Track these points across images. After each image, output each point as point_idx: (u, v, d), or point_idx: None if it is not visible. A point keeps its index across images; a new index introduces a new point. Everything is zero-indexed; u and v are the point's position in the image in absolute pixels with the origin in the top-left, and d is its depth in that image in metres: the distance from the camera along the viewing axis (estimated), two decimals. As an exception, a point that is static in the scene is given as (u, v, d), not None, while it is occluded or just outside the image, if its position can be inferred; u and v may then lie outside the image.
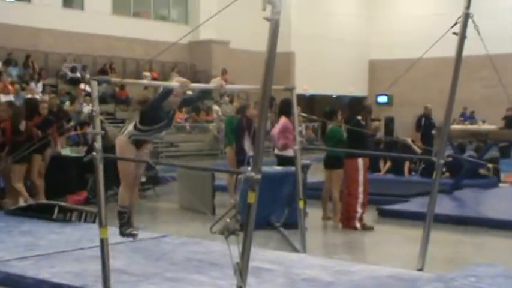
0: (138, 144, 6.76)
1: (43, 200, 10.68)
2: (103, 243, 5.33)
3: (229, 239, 4.63)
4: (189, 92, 6.75)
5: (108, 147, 11.70)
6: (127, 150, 6.73)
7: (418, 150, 15.34)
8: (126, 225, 6.86)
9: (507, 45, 29.86)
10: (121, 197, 6.95)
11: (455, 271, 6.46)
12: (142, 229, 7.79)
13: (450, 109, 6.62)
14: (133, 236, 6.92)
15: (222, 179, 12.55)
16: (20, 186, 10.60)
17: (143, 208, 12.53)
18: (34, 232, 8.48)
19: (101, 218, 5.41)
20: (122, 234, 6.88)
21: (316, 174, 14.49)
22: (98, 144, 5.46)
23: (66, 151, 13.41)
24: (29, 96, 18.27)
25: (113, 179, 12.60)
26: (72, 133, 15.84)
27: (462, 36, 6.22)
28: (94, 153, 5.44)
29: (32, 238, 8.10)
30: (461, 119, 30.64)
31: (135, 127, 6.58)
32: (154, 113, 6.39)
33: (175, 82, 6.23)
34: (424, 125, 16.88)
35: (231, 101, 22.89)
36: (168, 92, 6.25)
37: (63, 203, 9.94)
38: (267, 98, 4.71)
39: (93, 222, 8.93)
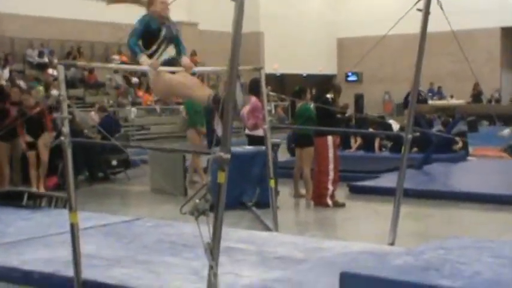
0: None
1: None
2: (73, 228, 5.30)
3: (200, 219, 4.63)
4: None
5: (77, 131, 11.70)
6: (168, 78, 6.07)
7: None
8: None
9: (473, 20, 30.06)
10: None
11: (424, 244, 6.55)
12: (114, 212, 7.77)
13: (416, 85, 6.69)
14: None
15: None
16: None
17: (114, 192, 12.52)
18: (2, 219, 8.38)
19: (71, 202, 5.37)
20: None
21: (287, 153, 14.56)
22: (66, 129, 5.41)
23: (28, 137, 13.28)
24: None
25: (82, 163, 12.68)
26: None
27: (426, 13, 6.26)
28: (62, 138, 5.40)
29: (0, 225, 8.02)
30: (429, 94, 30.87)
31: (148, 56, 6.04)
32: (145, 34, 6.03)
33: (145, 64, 6.06)
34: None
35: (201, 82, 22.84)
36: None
37: (32, 189, 9.85)
38: (234, 78, 4.71)
39: (64, 207, 8.85)
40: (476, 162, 14.78)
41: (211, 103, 5.91)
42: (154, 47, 6.08)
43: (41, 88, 19.78)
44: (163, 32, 6.11)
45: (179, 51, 6.25)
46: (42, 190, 10.78)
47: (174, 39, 6.25)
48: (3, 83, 18.26)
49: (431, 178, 12.39)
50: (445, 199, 10.27)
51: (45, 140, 11.25)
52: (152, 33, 6.05)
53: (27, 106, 11.25)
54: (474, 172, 13.19)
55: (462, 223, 9.05)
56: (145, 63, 5.95)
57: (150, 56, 6.03)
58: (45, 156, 11.27)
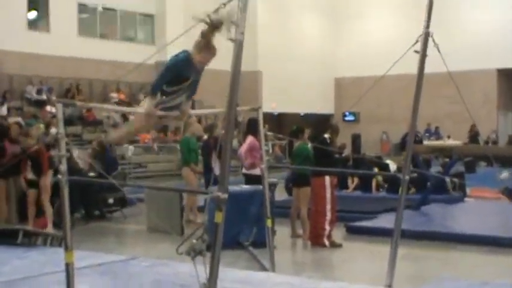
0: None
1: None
2: (68, 268, 5.26)
3: (196, 259, 4.61)
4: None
5: (74, 169, 11.66)
6: (150, 121, 5.93)
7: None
8: None
9: (469, 62, 30.31)
10: None
11: (421, 287, 6.51)
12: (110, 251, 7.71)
13: (414, 125, 6.71)
14: None
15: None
16: None
17: (110, 230, 12.45)
18: (-2, 258, 8.31)
19: (67, 241, 5.34)
20: None
21: (284, 192, 14.54)
22: (64, 167, 5.41)
23: (30, 174, 13.23)
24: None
25: (78, 201, 12.63)
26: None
27: (423, 55, 6.32)
28: (59, 176, 5.39)
29: (-5, 264, 7.94)
30: (426, 135, 30.98)
31: (162, 92, 5.76)
32: (178, 72, 5.67)
33: (142, 109, 5.95)
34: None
35: (199, 121, 22.88)
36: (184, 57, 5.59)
37: (27, 227, 9.78)
38: (232, 118, 4.73)
39: (59, 246, 8.78)
40: (474, 203, 14.75)
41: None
42: (175, 88, 5.75)
43: (42, 126, 19.81)
44: (191, 79, 5.76)
45: (189, 96, 5.93)
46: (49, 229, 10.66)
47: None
48: (1, 120, 18.27)
49: (428, 219, 12.35)
50: (443, 240, 10.23)
51: (46, 182, 11.06)
52: (180, 76, 5.71)
53: (25, 146, 11.19)
54: (472, 213, 13.16)
55: (459, 265, 9.00)
56: (145, 107, 5.79)
57: (167, 95, 5.74)
58: (46, 198, 11.07)
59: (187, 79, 5.69)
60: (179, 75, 5.66)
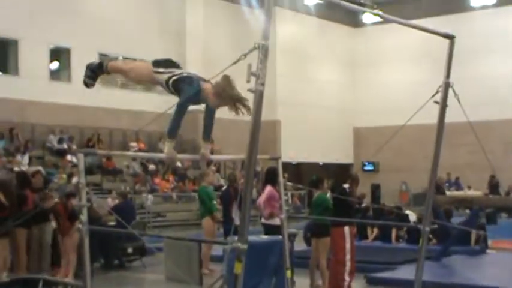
0: None
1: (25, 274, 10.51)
2: (88, 317, 5.25)
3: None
4: None
5: (94, 218, 11.68)
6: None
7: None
8: None
9: (489, 112, 30.27)
10: None
11: None
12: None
13: (434, 176, 6.67)
14: None
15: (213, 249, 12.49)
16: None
17: (129, 280, 12.40)
18: (18, 307, 8.32)
19: (86, 291, 5.34)
20: None
21: (303, 242, 14.42)
22: (84, 217, 5.43)
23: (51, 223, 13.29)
24: (16, 169, 18.21)
25: (98, 250, 12.63)
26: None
27: (443, 105, 6.33)
28: (80, 226, 5.42)
29: (15, 313, 7.94)
30: (447, 185, 30.76)
31: None
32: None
33: (164, 153, 6.03)
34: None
35: (218, 170, 22.95)
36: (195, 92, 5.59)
37: (47, 277, 9.78)
38: (252, 167, 4.74)
39: (79, 295, 8.77)
40: (496, 255, 14.55)
41: None
42: None
43: (64, 176, 20.00)
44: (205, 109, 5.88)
45: (207, 136, 6.03)
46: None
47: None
48: (23, 168, 18.42)
49: (449, 271, 12.21)
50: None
51: (73, 240, 10.92)
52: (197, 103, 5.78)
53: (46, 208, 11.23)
54: (493, 266, 12.98)
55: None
56: (166, 151, 5.88)
57: None
58: (72, 248, 11.00)
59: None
60: (194, 102, 5.69)
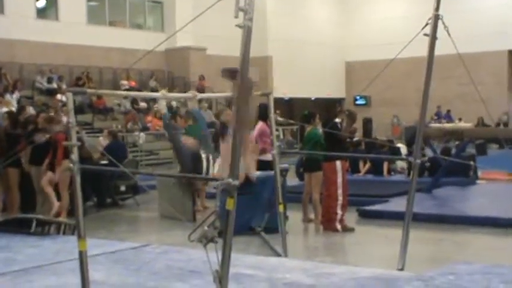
0: None
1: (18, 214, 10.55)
2: (82, 255, 5.29)
3: (208, 246, 4.62)
4: None
5: (86, 157, 11.67)
6: None
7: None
8: None
9: (480, 43, 30.18)
10: None
11: (434, 270, 6.51)
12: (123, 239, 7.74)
13: (424, 108, 6.68)
14: None
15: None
16: None
17: (123, 218, 12.49)
18: (11, 247, 8.33)
19: (80, 230, 5.37)
20: None
21: (295, 177, 14.52)
22: (75, 156, 5.43)
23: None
24: (4, 109, 18.10)
25: (91, 189, 12.68)
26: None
27: (433, 37, 6.30)
28: (71, 165, 5.41)
29: (9, 253, 7.97)
30: (436, 117, 30.95)
31: None
32: None
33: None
34: None
35: (210, 107, 22.87)
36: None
37: (40, 216, 9.81)
38: (242, 103, 4.71)
39: (72, 234, 8.82)
40: (486, 186, 14.70)
41: None
42: None
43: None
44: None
45: None
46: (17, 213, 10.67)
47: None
48: (13, 108, 18.32)
49: (440, 202, 12.33)
50: (455, 223, 10.21)
51: (65, 178, 10.59)
52: None
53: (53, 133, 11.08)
54: (484, 196, 13.11)
55: (472, 248, 8.98)
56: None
57: None
58: (63, 187, 10.88)
59: None
60: None
